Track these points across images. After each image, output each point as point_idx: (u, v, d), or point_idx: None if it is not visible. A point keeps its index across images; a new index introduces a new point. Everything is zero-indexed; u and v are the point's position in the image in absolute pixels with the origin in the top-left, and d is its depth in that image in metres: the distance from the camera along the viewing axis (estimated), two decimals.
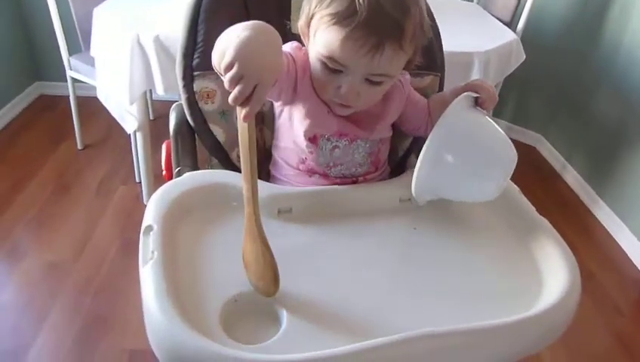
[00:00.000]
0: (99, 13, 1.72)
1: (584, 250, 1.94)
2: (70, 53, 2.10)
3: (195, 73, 0.82)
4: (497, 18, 2.04)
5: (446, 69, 0.94)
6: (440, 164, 0.67)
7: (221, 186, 0.74)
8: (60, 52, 2.08)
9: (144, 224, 0.66)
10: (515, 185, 0.80)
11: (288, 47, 0.78)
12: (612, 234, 2.02)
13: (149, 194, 1.94)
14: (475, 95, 0.72)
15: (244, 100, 0.54)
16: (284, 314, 0.59)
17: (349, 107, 0.76)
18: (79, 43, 2.12)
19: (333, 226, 0.73)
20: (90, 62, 1.94)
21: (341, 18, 0.66)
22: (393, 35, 0.67)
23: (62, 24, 2.04)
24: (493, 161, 0.70)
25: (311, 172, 0.82)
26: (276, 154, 0.87)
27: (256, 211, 0.61)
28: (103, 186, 2.08)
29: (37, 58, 2.68)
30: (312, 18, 0.71)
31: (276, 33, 0.60)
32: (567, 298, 0.60)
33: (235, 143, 0.87)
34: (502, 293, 0.65)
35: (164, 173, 0.87)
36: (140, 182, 1.97)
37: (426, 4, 0.73)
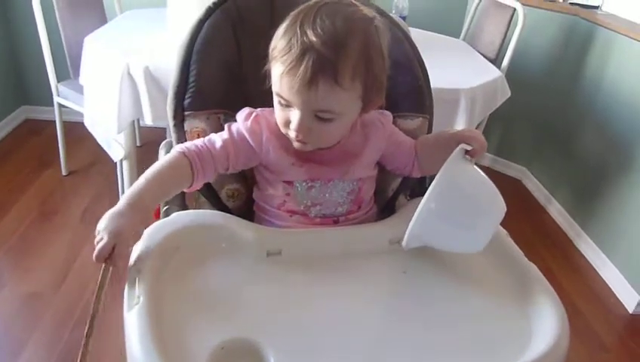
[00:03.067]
0: (90, 42, 1.73)
1: (569, 284, 1.96)
2: (58, 80, 2.10)
3: (187, 113, 0.82)
4: (483, 55, 2.09)
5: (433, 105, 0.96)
6: (436, 218, 0.69)
7: (209, 227, 0.74)
8: (47, 77, 2.07)
9: (130, 266, 0.65)
10: (503, 229, 0.80)
11: (240, 120, 0.81)
12: (596, 268, 2.04)
13: None
14: (468, 147, 0.73)
15: (106, 257, 0.64)
16: None
17: (304, 143, 0.77)
18: (67, 70, 2.12)
19: (323, 269, 0.73)
20: (78, 89, 1.94)
21: (281, 54, 0.70)
22: (324, 71, 0.68)
23: (51, 50, 2.04)
24: (486, 214, 0.72)
25: (291, 213, 0.83)
26: (257, 199, 0.88)
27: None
28: (88, 214, 2.04)
29: (24, 82, 2.67)
30: (271, 60, 0.74)
31: (139, 212, 0.69)
32: (556, 349, 0.59)
33: (224, 181, 0.87)
34: (491, 342, 0.64)
35: None
36: None
37: (379, 42, 0.74)
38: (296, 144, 0.77)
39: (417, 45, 0.94)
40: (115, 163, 1.96)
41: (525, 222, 2.31)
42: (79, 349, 0.62)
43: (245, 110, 0.82)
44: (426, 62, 0.94)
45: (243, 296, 0.67)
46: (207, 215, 0.77)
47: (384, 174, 0.92)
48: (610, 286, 1.95)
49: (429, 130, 0.94)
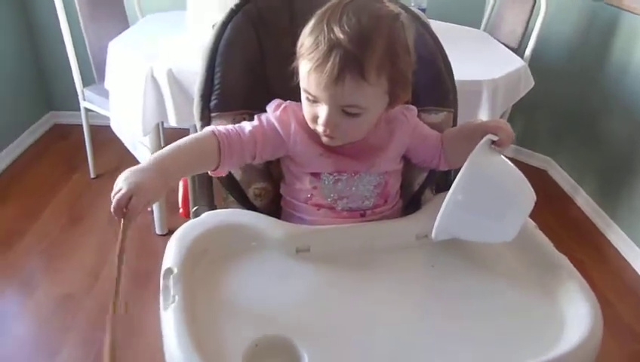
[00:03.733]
0: (113, 47, 1.76)
1: (598, 275, 1.92)
2: (83, 85, 2.14)
3: (213, 114, 0.84)
4: (504, 44, 2.06)
5: None
6: (463, 209, 0.69)
7: (239, 226, 0.75)
8: (73, 82, 2.12)
9: (164, 266, 0.66)
10: (531, 221, 0.79)
11: (270, 110, 0.83)
12: (627, 259, 2.00)
13: (162, 225, 1.97)
14: (494, 137, 0.73)
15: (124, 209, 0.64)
16: (306, 358, 0.58)
17: (332, 138, 0.78)
18: (92, 74, 2.16)
19: (351, 264, 0.74)
20: (103, 93, 1.98)
21: (309, 51, 0.71)
22: (351, 66, 0.69)
23: (77, 56, 2.08)
24: (514, 204, 0.71)
25: (318, 206, 0.84)
26: (285, 194, 0.89)
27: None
28: None
29: (50, 88, 2.74)
30: (298, 56, 0.76)
31: (161, 174, 0.69)
32: (589, 340, 0.59)
33: (251, 180, 0.88)
34: (523, 335, 0.64)
35: (180, 210, 0.88)
36: (152, 212, 1.98)
37: (405, 37, 0.75)
38: (324, 139, 0.79)
39: (439, 38, 0.94)
40: None
41: (552, 213, 2.28)
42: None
43: (275, 101, 0.84)
44: (447, 55, 0.94)
45: (274, 293, 0.68)
46: (236, 214, 0.79)
47: (410, 168, 0.93)
48: None
49: (454, 124, 0.94)
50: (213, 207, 0.85)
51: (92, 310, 1.62)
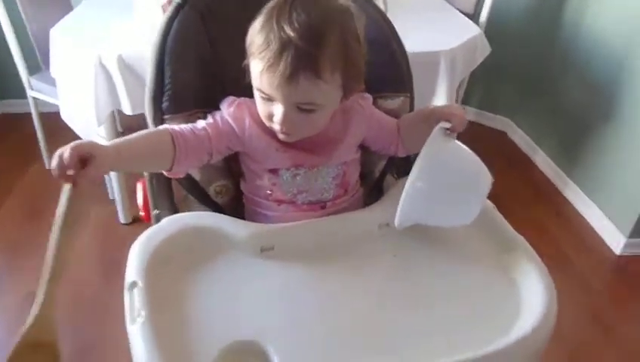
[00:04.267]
0: (56, 34, 1.67)
1: (557, 230, 2.01)
2: (30, 73, 2.04)
3: (165, 116, 0.82)
4: (460, 10, 2.05)
5: (412, 70, 0.95)
6: (424, 196, 0.70)
7: (201, 229, 0.74)
8: (18, 70, 2.01)
9: (127, 279, 0.66)
10: (490, 202, 0.82)
11: (224, 107, 0.81)
12: (583, 214, 2.09)
13: (124, 212, 1.93)
14: (447, 124, 0.74)
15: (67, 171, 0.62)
16: (276, 361, 0.59)
17: (289, 134, 0.77)
18: (38, 62, 2.05)
19: (316, 259, 0.75)
20: (51, 81, 1.88)
21: (259, 51, 0.70)
22: (305, 65, 0.68)
23: (19, 43, 1.97)
24: (473, 188, 0.73)
25: (278, 202, 0.84)
26: (245, 191, 0.89)
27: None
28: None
29: None
30: (249, 56, 0.74)
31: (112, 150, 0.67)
32: (544, 322, 0.62)
33: (211, 179, 0.87)
34: (482, 317, 0.67)
35: (141, 213, 0.86)
36: (115, 201, 1.94)
37: (356, 29, 0.74)
38: (281, 136, 0.78)
39: (393, 7, 0.92)
40: None
41: (512, 174, 2.34)
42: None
43: (228, 98, 0.83)
44: (403, 24, 0.93)
45: (242, 296, 0.68)
46: (197, 217, 0.78)
47: (369, 156, 0.93)
48: (596, 230, 2.00)
49: (412, 108, 0.95)
50: (174, 209, 0.84)
51: (61, 306, 1.57)
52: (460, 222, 0.75)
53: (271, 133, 0.80)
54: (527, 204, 2.15)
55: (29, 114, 2.13)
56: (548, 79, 2.37)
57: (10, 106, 2.66)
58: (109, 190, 2.02)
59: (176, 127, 0.78)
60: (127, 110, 1.54)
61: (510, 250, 0.75)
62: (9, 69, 2.15)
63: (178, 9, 0.82)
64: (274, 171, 0.83)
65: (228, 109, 0.81)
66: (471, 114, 2.75)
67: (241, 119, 0.80)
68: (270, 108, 0.74)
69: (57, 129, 2.21)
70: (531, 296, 0.67)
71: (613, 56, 1.94)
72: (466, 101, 2.63)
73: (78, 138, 1.80)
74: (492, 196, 0.75)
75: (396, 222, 0.74)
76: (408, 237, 0.78)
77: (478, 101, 2.73)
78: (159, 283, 0.66)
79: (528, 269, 0.71)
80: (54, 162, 0.61)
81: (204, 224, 0.75)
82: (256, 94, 0.76)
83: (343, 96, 0.77)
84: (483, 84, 2.64)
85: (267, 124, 0.78)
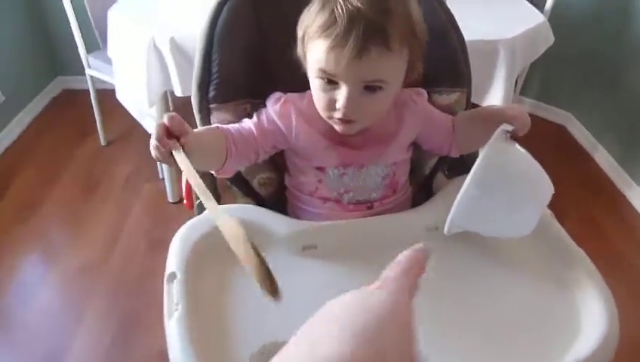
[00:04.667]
0: (113, 14, 1.70)
1: (616, 234, 1.89)
2: (88, 51, 2.10)
3: (212, 105, 0.80)
4: None
5: (470, 58, 0.89)
6: (479, 204, 0.66)
7: (243, 223, 0.73)
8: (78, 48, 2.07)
9: (167, 270, 0.66)
10: (548, 210, 0.76)
11: (270, 105, 0.79)
12: None
13: (173, 193, 1.97)
14: (509, 127, 0.69)
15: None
16: None
17: (351, 122, 0.73)
18: (97, 40, 2.11)
19: (359, 260, 0.71)
20: (108, 60, 1.92)
21: (324, 29, 0.67)
22: (376, 36, 0.65)
23: (79, 22, 2.02)
24: (532, 198, 0.68)
25: (323, 199, 0.82)
26: (289, 186, 0.87)
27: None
28: (129, 184, 2.10)
29: (57, 53, 2.69)
30: (303, 39, 0.71)
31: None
32: (604, 346, 0.57)
33: (255, 171, 0.86)
34: (538, 334, 0.63)
35: (184, 201, 0.86)
36: (164, 179, 1.98)
37: (416, 3, 0.72)
38: (340, 127, 0.74)
39: None
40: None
41: (569, 169, 2.23)
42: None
43: (275, 95, 0.80)
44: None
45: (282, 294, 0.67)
46: (240, 211, 0.76)
47: (420, 153, 0.89)
48: None
49: (468, 103, 0.89)
50: (217, 199, 0.83)
51: (111, 278, 1.66)
52: (515, 234, 0.70)
53: (319, 130, 0.77)
54: (585, 204, 2.03)
55: (87, 90, 2.20)
56: (612, 72, 2.22)
57: (70, 82, 2.76)
58: (159, 169, 2.07)
59: (225, 127, 0.76)
60: (178, 92, 1.56)
61: (569, 265, 0.70)
62: (69, 47, 2.22)
63: None
64: (321, 168, 0.80)
65: (274, 107, 0.79)
66: (528, 105, 2.62)
67: (287, 117, 0.78)
68: (332, 94, 0.71)
69: (113, 106, 2.29)
70: (591, 317, 0.62)
71: None
72: (523, 92, 2.51)
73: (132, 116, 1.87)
74: None
75: (446, 228, 0.70)
76: (458, 243, 0.74)
77: (536, 92, 2.59)
78: (198, 275, 0.66)
79: (588, 287, 0.65)
80: (157, 131, 0.62)
81: (246, 218, 0.73)
82: (316, 82, 0.72)
83: (405, 76, 0.74)
84: (542, 74, 2.51)
85: (326, 114, 0.74)
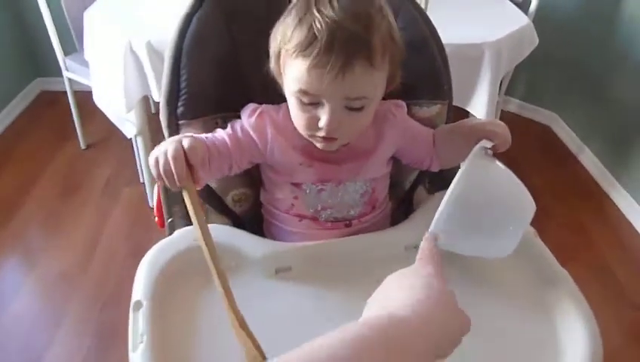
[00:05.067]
0: (89, 17, 1.65)
1: (600, 236, 1.89)
2: (66, 53, 2.04)
3: (181, 122, 0.76)
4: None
5: (453, 62, 0.87)
6: (458, 224, 0.63)
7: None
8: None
9: (133, 298, 0.62)
10: (531, 227, 0.74)
11: (245, 116, 0.75)
12: (631, 221, 1.96)
13: (154, 197, 1.93)
14: (489, 143, 0.66)
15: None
16: None
17: (333, 140, 0.70)
18: (74, 42, 2.05)
19: (336, 282, 0.69)
20: (86, 62, 1.87)
21: (303, 47, 0.62)
22: (359, 53, 0.62)
23: (56, 23, 1.97)
24: (513, 218, 0.65)
25: (300, 216, 0.79)
26: (264, 202, 0.83)
27: (223, 283, 0.57)
28: (109, 188, 2.05)
29: (35, 55, 2.62)
30: (279, 55, 0.67)
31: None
32: None
33: (229, 187, 0.82)
34: (516, 358, 0.61)
35: (155, 219, 0.83)
36: (144, 184, 1.94)
37: (391, 14, 0.68)
38: (322, 145, 0.71)
39: None
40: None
41: (555, 171, 2.22)
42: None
43: (250, 106, 0.77)
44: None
45: (255, 319, 0.64)
46: (212, 231, 0.73)
47: (400, 167, 0.86)
48: None
49: (449, 115, 0.86)
50: (188, 217, 0.79)
51: (90, 284, 1.62)
52: (497, 254, 0.68)
53: (296, 145, 0.74)
54: (570, 205, 2.03)
55: (66, 92, 2.15)
56: (599, 73, 2.21)
57: (49, 84, 2.70)
58: (139, 173, 2.02)
59: (197, 137, 0.71)
60: (157, 96, 1.52)
61: (551, 286, 0.67)
62: (47, 48, 2.16)
63: (198, 4, 0.76)
64: (297, 184, 0.77)
65: (249, 119, 0.75)
66: (514, 106, 2.62)
67: (262, 130, 0.74)
68: (313, 113, 0.67)
69: (93, 108, 2.22)
70: (572, 343, 0.60)
71: None
72: (509, 92, 2.50)
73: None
74: (532, 195, 0.66)
75: None
76: None
77: (522, 92, 2.58)
78: (166, 302, 0.63)
79: (571, 311, 0.63)
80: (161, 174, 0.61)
81: (217, 240, 0.70)
82: (295, 102, 0.68)
83: (385, 89, 0.71)
84: (528, 74, 2.50)
85: (306, 133, 0.70)
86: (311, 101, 0.66)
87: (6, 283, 1.64)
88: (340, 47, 0.60)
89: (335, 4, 0.61)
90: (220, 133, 0.74)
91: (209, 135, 0.74)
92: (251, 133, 0.74)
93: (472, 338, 0.63)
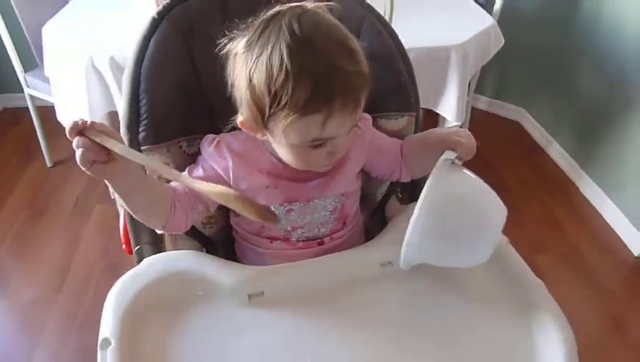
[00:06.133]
0: (48, 32, 1.60)
1: (571, 227, 1.93)
2: (26, 69, 1.98)
3: (143, 148, 0.74)
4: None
5: (422, 66, 0.87)
6: (429, 234, 0.63)
7: (183, 274, 0.68)
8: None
9: (101, 335, 0.60)
10: (503, 235, 0.74)
11: (204, 148, 0.74)
12: (599, 211, 2.00)
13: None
14: (453, 154, 0.66)
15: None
16: None
17: (332, 163, 0.71)
18: (35, 58, 1.99)
19: (311, 305, 0.68)
20: (47, 78, 1.82)
21: (315, 105, 0.60)
22: (362, 86, 0.63)
23: (14, 38, 1.90)
24: (484, 224, 0.65)
25: (271, 239, 0.78)
26: (235, 225, 0.82)
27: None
28: (79, 206, 2.00)
29: None
30: (268, 119, 0.63)
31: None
32: None
33: None
34: None
35: (123, 246, 0.80)
36: (116, 199, 1.90)
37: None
38: (323, 169, 0.72)
39: None
40: None
41: (525, 165, 2.26)
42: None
43: (207, 138, 0.75)
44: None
45: (229, 351, 0.62)
46: (179, 259, 0.70)
47: (370, 180, 0.85)
48: (612, 227, 1.92)
49: (417, 126, 0.86)
50: (157, 243, 0.77)
51: (63, 310, 1.57)
52: (472, 263, 0.68)
53: (259, 168, 0.73)
54: (541, 198, 2.07)
55: (28, 108, 2.08)
56: (564, 67, 2.25)
57: (10, 101, 2.61)
58: (111, 190, 1.97)
59: (167, 184, 0.71)
60: None
61: (526, 295, 0.68)
62: (5, 64, 2.09)
63: (154, 26, 0.73)
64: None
65: (208, 150, 0.74)
66: (483, 103, 2.65)
67: (223, 159, 0.73)
68: (319, 150, 0.66)
69: (57, 123, 2.16)
70: (548, 350, 0.60)
71: (634, 44, 1.82)
72: (478, 90, 2.53)
73: None
74: (504, 189, 0.67)
75: (401, 263, 0.67)
76: (413, 277, 0.71)
77: (491, 89, 2.62)
78: (136, 342, 0.61)
79: (546, 320, 0.63)
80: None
81: (186, 268, 0.68)
82: (298, 150, 0.66)
83: None
84: (496, 71, 2.53)
85: (305, 167, 0.70)
86: (320, 143, 0.65)
87: None
88: (351, 92, 0.61)
89: (322, 45, 0.60)
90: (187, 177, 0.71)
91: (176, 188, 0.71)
92: (213, 164, 0.73)
93: (451, 346, 0.63)
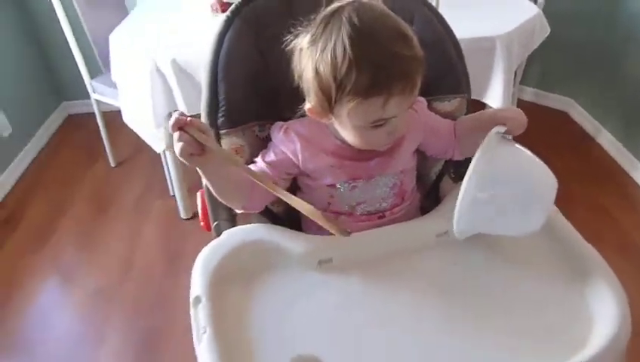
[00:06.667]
0: (114, 40, 1.73)
1: (625, 217, 1.90)
2: (92, 75, 2.13)
3: (222, 131, 0.83)
4: None
5: (467, 56, 0.92)
6: (480, 203, 0.67)
7: (259, 245, 0.76)
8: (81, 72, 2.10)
9: (192, 294, 0.68)
10: (555, 206, 0.78)
11: (274, 135, 0.82)
12: None
13: (185, 209, 2.01)
14: (503, 128, 0.71)
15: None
16: None
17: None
18: (99, 65, 2.14)
19: (374, 271, 0.74)
20: (112, 83, 1.95)
21: (376, 89, 0.66)
22: (418, 68, 0.68)
23: (80, 47, 2.05)
24: (535, 193, 0.69)
25: (337, 213, 0.84)
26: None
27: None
28: (141, 203, 2.13)
29: (61, 79, 2.71)
30: (334, 105, 0.70)
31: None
32: (616, 340, 0.59)
33: None
34: (551, 332, 0.65)
35: (201, 223, 0.89)
36: (175, 196, 2.01)
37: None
38: (384, 148, 0.78)
39: None
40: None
41: (574, 156, 2.24)
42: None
43: (276, 125, 0.83)
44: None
45: (302, 310, 0.69)
46: (254, 231, 0.79)
47: (425, 160, 0.91)
48: None
49: (468, 108, 0.91)
50: (233, 219, 0.85)
51: (130, 298, 1.68)
52: (524, 231, 0.72)
53: (325, 150, 0.80)
54: (591, 188, 2.04)
55: (93, 114, 2.23)
56: (611, 55, 2.22)
57: (75, 107, 2.80)
58: (170, 186, 2.10)
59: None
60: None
61: (578, 261, 0.71)
62: (73, 73, 2.25)
63: (228, 24, 0.82)
64: (331, 185, 0.82)
65: (278, 136, 0.82)
66: (529, 94, 2.63)
67: (291, 143, 0.80)
68: (379, 130, 0.72)
69: (120, 126, 2.31)
70: (603, 314, 0.64)
71: None
72: (523, 81, 2.52)
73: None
74: None
75: (455, 231, 0.72)
76: (468, 246, 0.76)
77: (536, 80, 2.60)
78: (221, 299, 0.69)
79: (599, 282, 0.67)
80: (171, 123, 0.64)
81: (261, 238, 0.76)
82: (362, 131, 0.72)
83: None
84: (542, 61, 2.51)
85: (368, 146, 0.77)
86: (380, 123, 0.71)
87: (46, 305, 1.70)
88: (408, 73, 0.67)
89: (382, 35, 0.66)
90: (259, 163, 0.81)
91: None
92: (283, 148, 0.81)
93: (504, 313, 0.68)
